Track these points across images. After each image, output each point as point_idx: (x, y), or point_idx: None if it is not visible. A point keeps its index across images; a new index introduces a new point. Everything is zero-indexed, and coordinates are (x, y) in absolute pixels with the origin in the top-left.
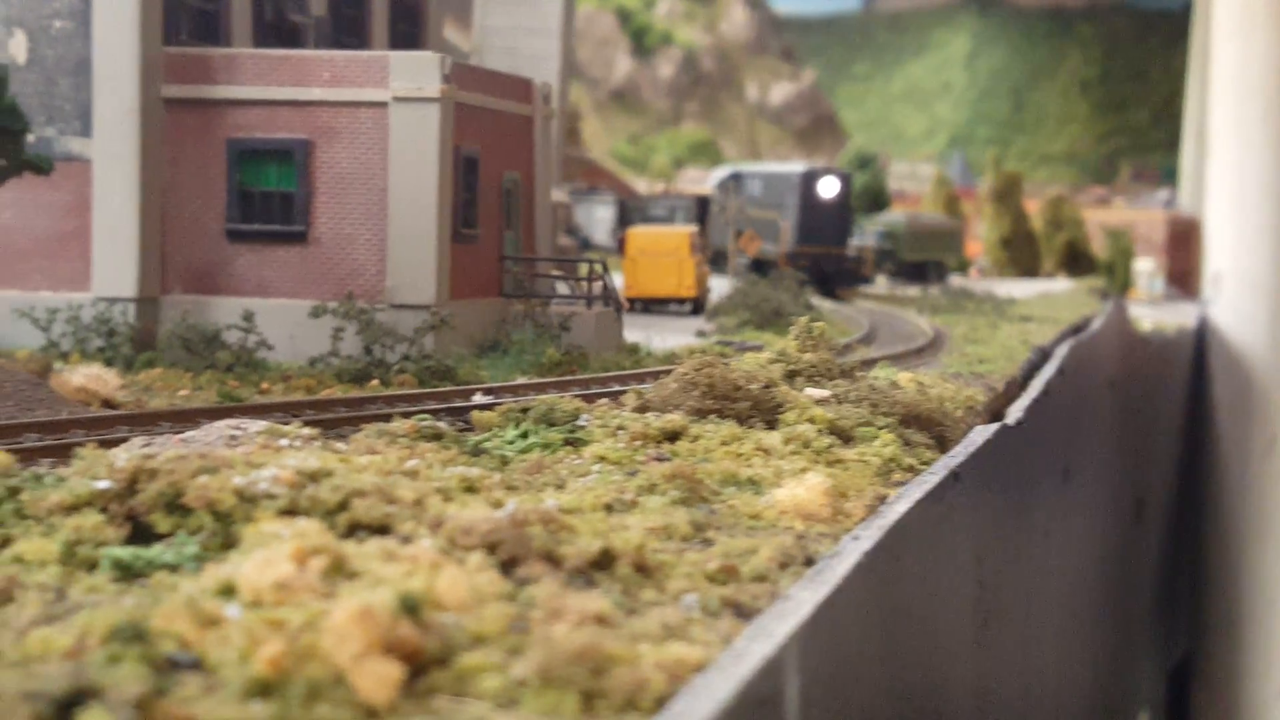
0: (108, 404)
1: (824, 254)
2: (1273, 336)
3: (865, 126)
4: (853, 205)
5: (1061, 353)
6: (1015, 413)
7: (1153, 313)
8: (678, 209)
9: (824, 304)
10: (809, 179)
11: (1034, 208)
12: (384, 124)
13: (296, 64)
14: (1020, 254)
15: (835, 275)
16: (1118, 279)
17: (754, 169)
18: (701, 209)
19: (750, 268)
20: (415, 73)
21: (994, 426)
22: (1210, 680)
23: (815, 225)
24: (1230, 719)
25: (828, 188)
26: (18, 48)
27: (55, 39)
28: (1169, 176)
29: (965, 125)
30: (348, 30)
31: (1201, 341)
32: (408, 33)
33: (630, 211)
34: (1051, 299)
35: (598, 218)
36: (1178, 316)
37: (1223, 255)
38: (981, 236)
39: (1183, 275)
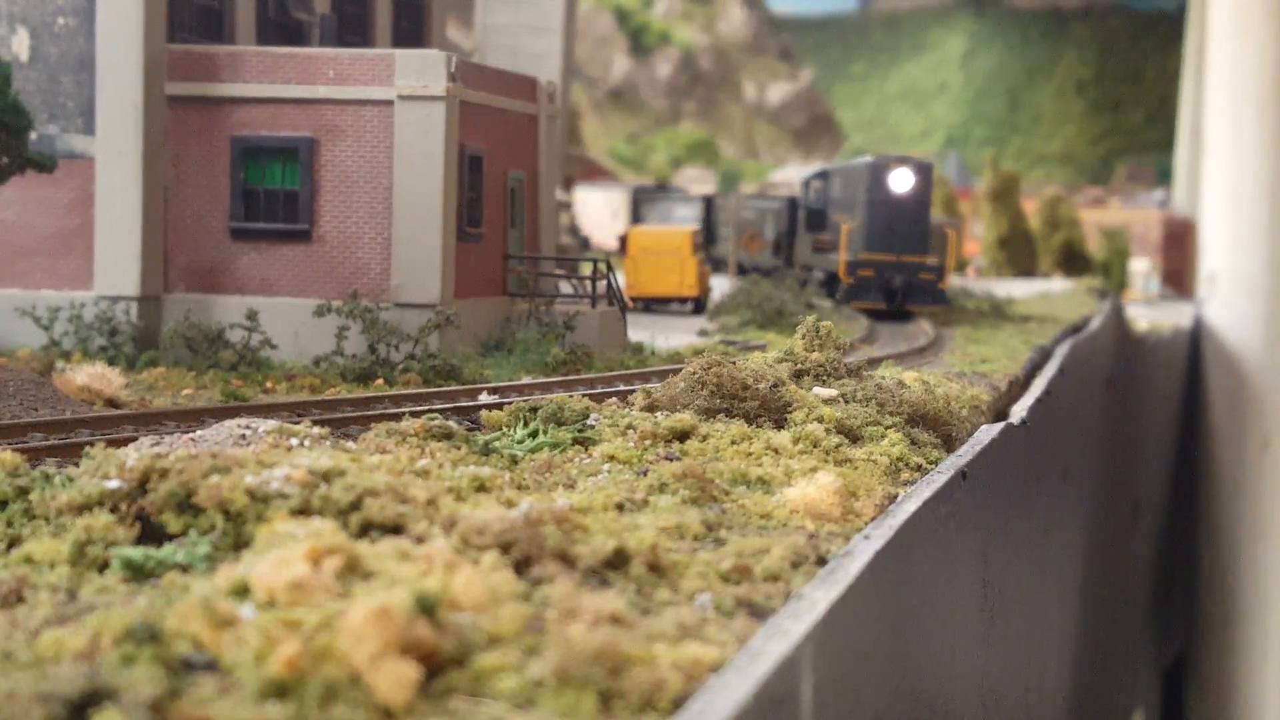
0: (111, 403)
1: (894, 263)
2: (1267, 336)
3: (862, 126)
4: (931, 203)
5: (1062, 352)
6: (1020, 412)
7: (1148, 313)
8: (768, 211)
9: (824, 304)
10: (876, 171)
11: (1031, 208)
12: (389, 122)
13: (301, 62)
14: (1017, 254)
15: (907, 290)
16: (1113, 279)
17: (837, 166)
18: (792, 211)
19: (743, 270)
20: (421, 71)
21: (1000, 425)
22: (1204, 680)
23: (884, 228)
24: (1223, 718)
25: (900, 181)
26: (20, 45)
27: (58, 36)
28: (1164, 177)
29: (961, 125)
30: (351, 28)
31: (1196, 341)
32: (411, 30)
33: (718, 210)
34: (1050, 299)
35: (678, 217)
36: (1173, 316)
37: (1218, 255)
38: (979, 236)
39: (1178, 275)
